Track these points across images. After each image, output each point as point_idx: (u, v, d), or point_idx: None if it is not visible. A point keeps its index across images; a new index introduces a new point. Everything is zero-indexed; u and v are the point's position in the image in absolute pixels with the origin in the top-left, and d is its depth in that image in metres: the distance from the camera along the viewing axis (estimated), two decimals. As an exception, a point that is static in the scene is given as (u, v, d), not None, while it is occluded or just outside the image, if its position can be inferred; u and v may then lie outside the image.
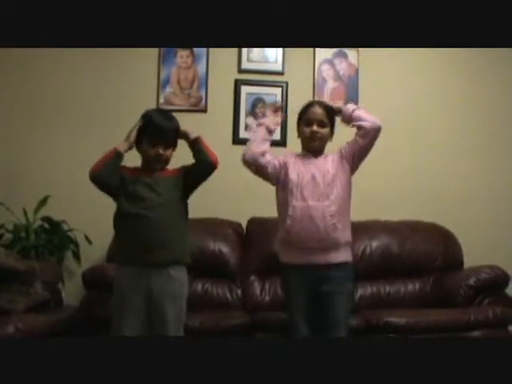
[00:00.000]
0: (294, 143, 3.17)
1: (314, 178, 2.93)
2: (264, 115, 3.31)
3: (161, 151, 2.75)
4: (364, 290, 3.88)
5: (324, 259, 2.89)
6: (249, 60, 4.39)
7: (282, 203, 3.01)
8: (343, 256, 2.95)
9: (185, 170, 2.86)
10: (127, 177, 2.76)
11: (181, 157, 2.89)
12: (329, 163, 2.99)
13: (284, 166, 3.02)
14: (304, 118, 3.04)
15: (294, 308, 2.95)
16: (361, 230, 3.96)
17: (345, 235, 2.96)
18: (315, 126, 2.98)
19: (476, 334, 3.35)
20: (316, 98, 4.33)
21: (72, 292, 3.88)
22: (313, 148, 3.03)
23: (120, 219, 2.77)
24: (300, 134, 3.08)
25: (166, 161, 2.82)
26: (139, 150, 2.83)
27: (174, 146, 2.84)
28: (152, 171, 2.80)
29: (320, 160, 3.01)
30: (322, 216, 2.87)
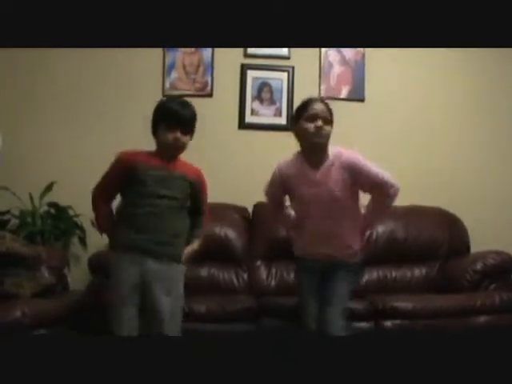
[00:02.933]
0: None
1: (318, 198, 2.81)
2: None
3: (178, 135, 2.68)
4: (370, 275, 3.87)
5: (337, 259, 2.87)
6: (255, 44, 4.36)
7: (295, 212, 3.01)
8: (354, 258, 2.92)
9: (194, 192, 2.82)
10: (140, 165, 2.69)
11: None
12: (332, 181, 2.80)
13: (284, 183, 2.93)
14: (306, 114, 2.80)
15: (306, 289, 2.96)
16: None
17: (356, 244, 2.92)
18: (320, 122, 2.76)
19: (482, 319, 3.35)
20: (322, 83, 4.33)
21: (78, 277, 3.90)
22: (318, 145, 2.80)
23: (128, 209, 2.71)
24: (301, 130, 2.83)
25: (183, 147, 2.73)
26: (156, 137, 2.75)
27: (191, 132, 2.76)
28: (168, 161, 2.73)
29: (321, 175, 2.81)
30: (333, 235, 2.85)
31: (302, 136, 2.84)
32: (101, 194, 2.80)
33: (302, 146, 2.89)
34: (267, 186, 3.05)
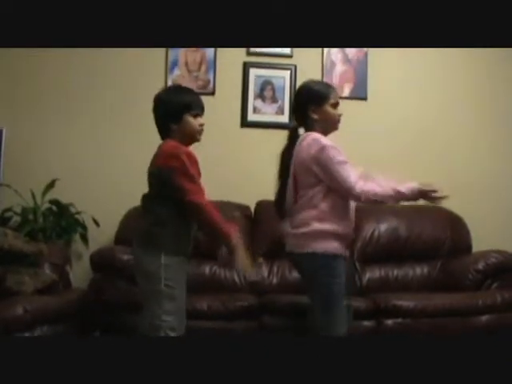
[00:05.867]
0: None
1: None
2: None
3: (202, 121, 2.64)
4: (372, 274, 3.88)
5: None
6: (257, 42, 4.36)
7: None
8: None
9: None
10: None
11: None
12: None
13: None
14: (333, 99, 2.82)
15: None
16: (369, 213, 3.95)
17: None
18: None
19: (484, 318, 3.36)
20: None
21: (80, 274, 3.90)
22: (332, 132, 2.87)
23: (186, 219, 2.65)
24: (326, 115, 2.81)
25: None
26: (181, 126, 2.59)
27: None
28: None
29: None
30: None
31: (325, 119, 2.82)
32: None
33: (320, 126, 2.82)
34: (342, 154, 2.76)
